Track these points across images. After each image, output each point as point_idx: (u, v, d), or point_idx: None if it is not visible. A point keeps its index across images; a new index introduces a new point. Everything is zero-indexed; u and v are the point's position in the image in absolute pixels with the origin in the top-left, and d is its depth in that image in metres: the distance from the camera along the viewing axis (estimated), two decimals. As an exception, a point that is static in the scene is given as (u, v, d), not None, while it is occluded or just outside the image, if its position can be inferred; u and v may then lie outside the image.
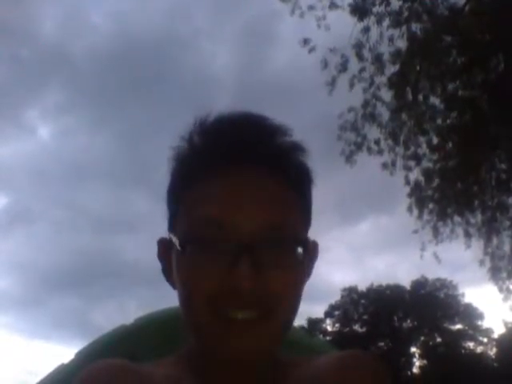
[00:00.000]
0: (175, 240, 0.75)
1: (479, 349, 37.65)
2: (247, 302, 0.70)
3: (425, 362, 37.62)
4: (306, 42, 9.98)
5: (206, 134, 0.77)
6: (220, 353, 0.73)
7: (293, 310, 0.76)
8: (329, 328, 39.34)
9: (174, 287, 0.77)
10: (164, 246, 0.80)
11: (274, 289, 0.71)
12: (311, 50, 9.99)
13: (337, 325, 39.34)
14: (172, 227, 0.78)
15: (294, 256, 0.73)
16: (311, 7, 9.90)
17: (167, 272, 0.80)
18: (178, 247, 0.73)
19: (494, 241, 10.60)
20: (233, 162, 0.73)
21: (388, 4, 9.54)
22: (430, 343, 37.71)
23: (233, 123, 0.76)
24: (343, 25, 10.00)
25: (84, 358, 1.14)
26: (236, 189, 0.73)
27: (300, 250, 0.74)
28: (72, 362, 1.14)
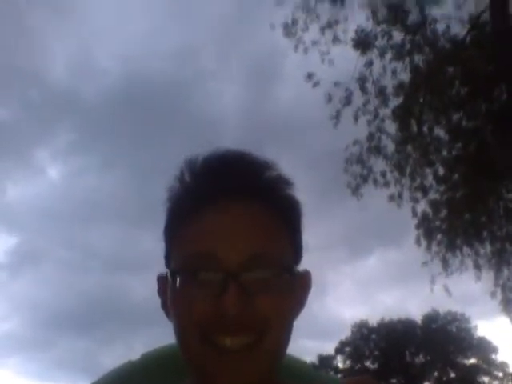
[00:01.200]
0: (168, 273, 0.78)
1: (494, 384, 36.88)
2: (235, 329, 0.71)
3: (439, 398, 36.82)
4: (310, 76, 10.13)
5: (195, 172, 0.80)
6: (212, 382, 0.74)
7: (283, 336, 0.76)
8: (340, 365, 38.73)
9: (170, 319, 0.80)
10: (162, 282, 0.83)
11: (261, 314, 0.73)
12: (315, 85, 10.14)
13: (348, 361, 38.74)
14: (168, 264, 0.81)
15: (280, 281, 0.75)
16: (315, 42, 10.08)
17: (165, 306, 0.82)
18: (169, 277, 0.77)
19: (505, 272, 10.49)
20: (220, 197, 0.76)
21: (390, 37, 9.69)
22: (444, 379, 36.96)
23: (220, 161, 0.79)
24: (346, 59, 10.15)
25: None
26: (223, 222, 0.75)
27: (287, 276, 0.76)
28: None
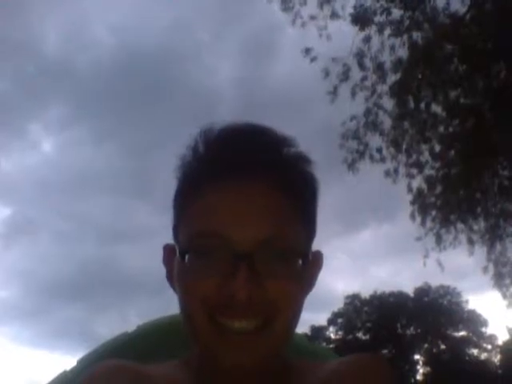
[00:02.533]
0: (177, 248, 0.77)
1: (483, 356, 37.50)
2: (244, 312, 0.71)
3: (428, 369, 37.46)
4: (307, 51, 10.03)
5: (210, 143, 0.78)
6: (218, 362, 0.74)
7: (292, 320, 0.76)
8: (332, 336, 39.23)
9: (176, 293, 0.79)
10: (168, 252, 0.82)
11: (271, 299, 0.72)
12: (313, 60, 10.05)
13: (340, 332, 39.23)
14: (175, 235, 0.80)
15: (292, 267, 0.74)
16: (312, 17, 9.97)
17: (171, 277, 0.81)
18: (178, 255, 0.75)
19: (498, 247, 10.61)
20: (235, 172, 0.73)
21: (389, 13, 9.59)
22: (434, 350, 37.56)
23: (237, 133, 0.77)
24: (344, 35, 10.08)
25: (86, 365, 1.14)
26: (237, 200, 0.73)
27: (300, 261, 0.75)
28: (74, 369, 1.15)
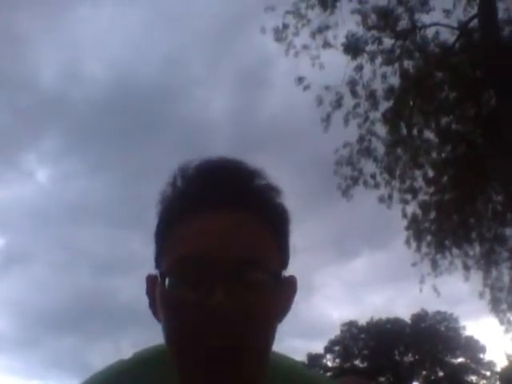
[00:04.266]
0: (158, 275, 0.80)
1: (482, 383, 37.14)
2: (222, 328, 0.73)
3: (428, 396, 37.00)
4: (300, 80, 10.17)
5: (187, 178, 0.83)
6: (199, 382, 0.76)
7: (268, 339, 0.79)
8: (329, 363, 38.79)
9: (159, 321, 0.82)
10: (151, 282, 0.85)
11: (248, 317, 0.74)
12: (306, 88, 10.18)
13: (337, 360, 38.82)
14: (158, 265, 0.83)
15: (267, 287, 0.77)
16: (305, 47, 10.13)
17: (153, 306, 0.84)
18: (160, 280, 0.78)
19: (494, 272, 10.62)
20: (211, 203, 0.78)
21: (380, 42, 9.78)
22: (432, 377, 37.17)
23: (212, 168, 0.82)
24: (337, 64, 10.22)
25: None
26: (214, 228, 0.77)
27: (274, 282, 0.78)
28: None
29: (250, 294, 0.75)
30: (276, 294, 0.78)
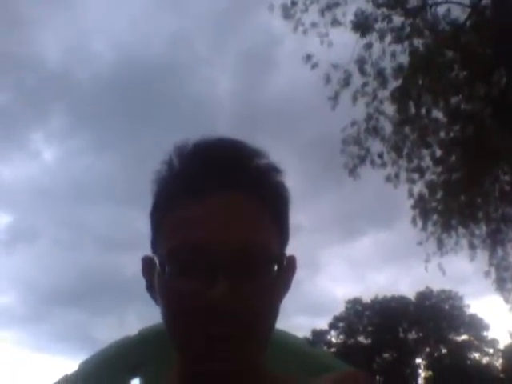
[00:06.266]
0: (156, 260, 0.78)
1: (485, 360, 37.43)
2: (224, 318, 0.72)
3: (430, 373, 37.38)
4: (308, 58, 10.09)
5: (184, 158, 0.80)
6: (198, 370, 0.76)
7: (269, 324, 0.78)
8: (333, 339, 39.17)
9: (157, 304, 0.81)
10: (147, 264, 0.83)
11: (249, 305, 0.73)
12: (314, 67, 10.11)
13: (341, 336, 39.16)
14: (154, 248, 0.81)
15: (269, 273, 0.76)
16: (314, 24, 10.04)
17: (151, 289, 0.83)
18: (158, 268, 0.76)
19: (499, 252, 10.64)
20: (210, 185, 0.75)
21: (390, 20, 9.67)
22: (436, 354, 37.50)
23: (211, 148, 0.79)
24: (346, 42, 10.12)
25: (87, 369, 1.14)
26: (212, 212, 0.75)
27: (276, 266, 0.76)
28: (76, 372, 1.13)
29: (252, 282, 0.74)
30: (278, 279, 0.77)
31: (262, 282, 0.74)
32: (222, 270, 0.72)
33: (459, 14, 9.50)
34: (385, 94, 10.19)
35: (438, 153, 10.27)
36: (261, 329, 0.76)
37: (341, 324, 39.14)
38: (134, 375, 1.15)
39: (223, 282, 0.71)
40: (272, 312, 0.78)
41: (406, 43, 9.65)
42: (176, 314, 0.75)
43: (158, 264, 0.76)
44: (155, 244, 0.80)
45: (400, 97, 9.91)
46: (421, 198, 10.48)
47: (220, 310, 0.71)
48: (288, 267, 0.82)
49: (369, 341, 38.21)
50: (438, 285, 34.22)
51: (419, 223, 10.48)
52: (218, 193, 0.75)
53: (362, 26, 9.63)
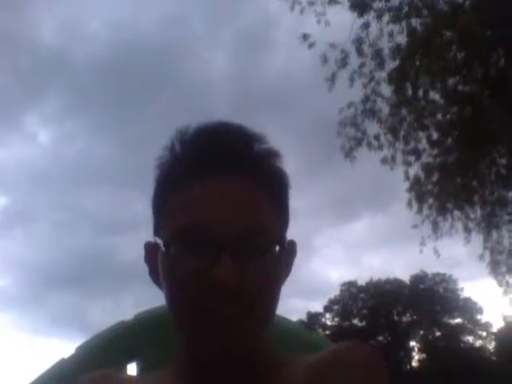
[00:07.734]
0: (160, 242, 0.80)
1: (478, 343, 37.84)
2: (229, 298, 0.74)
3: (424, 355, 37.78)
4: (305, 37, 9.97)
5: (185, 143, 0.82)
6: (205, 350, 0.77)
7: (272, 305, 0.80)
8: (328, 322, 39.51)
9: (161, 289, 0.82)
10: (150, 250, 0.85)
11: (253, 285, 0.75)
12: (311, 46, 9.99)
13: (336, 319, 39.49)
14: (157, 232, 0.83)
15: (270, 254, 0.78)
16: (311, 2, 9.90)
17: (154, 274, 0.84)
18: (163, 249, 0.78)
19: (494, 235, 10.66)
20: (211, 169, 0.78)
21: (388, 0, 9.54)
22: (429, 337, 37.85)
23: (212, 132, 0.82)
24: (343, 21, 10.01)
25: (84, 353, 1.18)
26: (215, 195, 0.77)
27: (276, 248, 0.79)
28: (72, 356, 1.17)
29: (254, 263, 0.76)
30: (279, 261, 0.80)
31: (263, 262, 0.77)
32: (225, 250, 0.74)
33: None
34: (382, 75, 10.11)
35: (435, 135, 10.21)
36: (262, 308, 0.77)
37: (335, 307, 39.44)
38: (130, 359, 1.19)
39: (227, 261, 0.73)
40: (273, 293, 0.79)
41: (404, 23, 9.53)
42: (180, 294, 0.76)
43: (162, 245, 0.79)
44: (158, 228, 0.82)
45: (397, 78, 9.83)
46: (416, 180, 10.44)
47: (223, 288, 0.73)
48: (289, 251, 0.84)
49: (363, 323, 38.52)
50: (432, 268, 34.46)
51: (415, 206, 10.47)
52: (219, 176, 0.78)
53: (360, 4, 9.52)
